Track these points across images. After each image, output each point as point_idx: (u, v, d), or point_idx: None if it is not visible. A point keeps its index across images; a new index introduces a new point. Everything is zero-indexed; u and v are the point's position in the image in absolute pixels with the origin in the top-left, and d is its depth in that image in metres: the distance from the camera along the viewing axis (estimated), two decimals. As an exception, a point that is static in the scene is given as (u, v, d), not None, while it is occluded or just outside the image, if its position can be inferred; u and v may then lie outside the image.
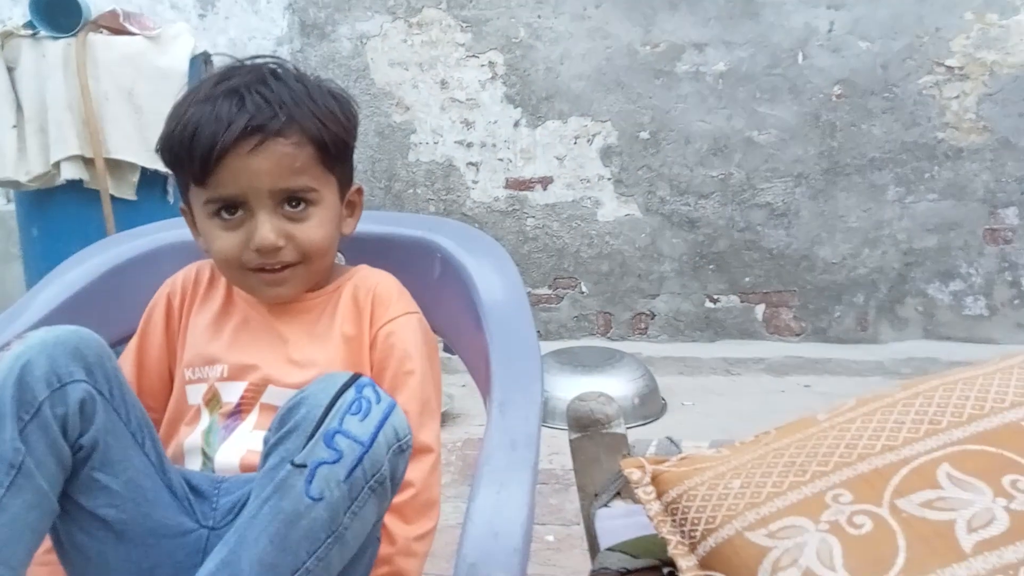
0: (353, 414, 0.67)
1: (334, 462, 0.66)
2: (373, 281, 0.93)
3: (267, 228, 0.84)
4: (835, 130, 2.97)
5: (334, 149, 0.89)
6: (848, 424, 0.69)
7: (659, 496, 0.72)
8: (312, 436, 0.66)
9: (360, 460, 0.66)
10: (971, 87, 2.90)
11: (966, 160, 2.93)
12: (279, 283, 0.88)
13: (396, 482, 0.72)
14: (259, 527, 0.65)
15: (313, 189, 0.88)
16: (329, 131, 0.87)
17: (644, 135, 3.05)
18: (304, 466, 0.65)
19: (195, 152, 0.82)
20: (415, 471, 0.83)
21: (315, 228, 0.88)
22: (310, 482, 0.65)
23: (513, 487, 0.63)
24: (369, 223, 0.98)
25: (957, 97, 2.91)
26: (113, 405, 0.74)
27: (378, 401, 0.69)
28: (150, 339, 0.94)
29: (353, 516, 0.67)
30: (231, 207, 0.86)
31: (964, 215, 2.97)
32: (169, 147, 0.86)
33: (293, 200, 0.87)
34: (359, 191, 0.96)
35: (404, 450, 0.71)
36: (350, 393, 0.69)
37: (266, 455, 0.69)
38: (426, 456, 0.85)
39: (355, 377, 0.71)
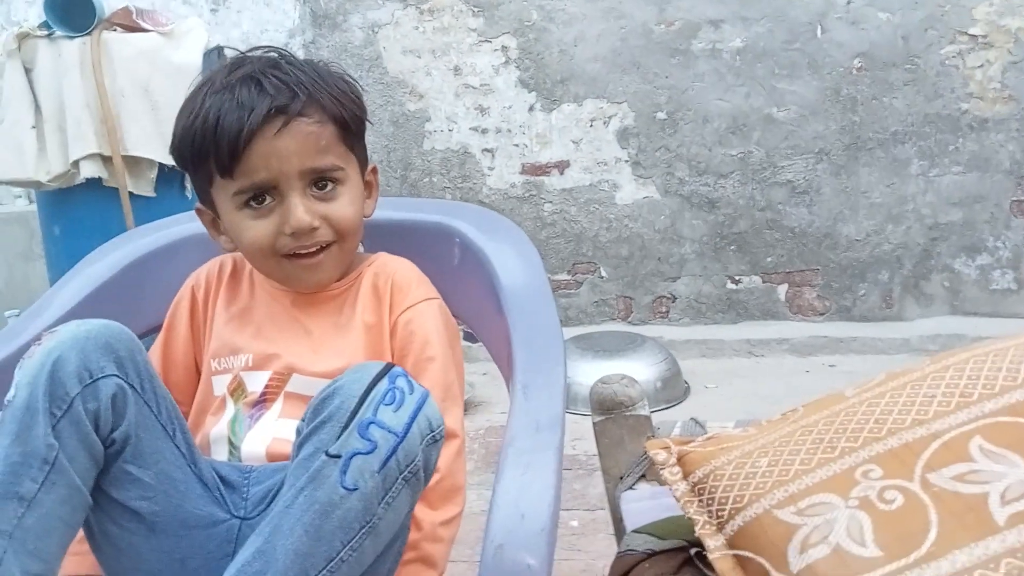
0: (387, 404, 0.67)
1: (368, 452, 0.66)
2: (392, 268, 0.92)
3: (301, 210, 0.84)
4: (856, 104, 2.92)
5: (353, 126, 0.89)
6: (877, 399, 0.68)
7: (685, 477, 0.71)
8: (346, 427, 0.66)
9: (394, 451, 0.66)
10: (995, 55, 2.83)
11: (991, 131, 2.88)
12: (316, 267, 0.88)
13: (429, 472, 0.72)
14: (294, 517, 0.65)
15: (339, 167, 0.87)
16: (347, 109, 0.88)
17: (661, 115, 3.02)
18: (339, 456, 0.65)
19: (220, 141, 0.82)
20: (440, 457, 0.83)
21: (346, 206, 0.88)
22: (344, 472, 0.65)
23: (538, 468, 0.63)
24: (388, 209, 0.98)
25: (981, 66, 2.85)
26: (144, 398, 0.74)
27: (411, 391, 0.69)
28: (176, 332, 0.95)
29: (387, 507, 0.68)
30: (260, 195, 0.85)
31: (990, 187, 2.91)
32: (190, 141, 0.85)
33: (320, 181, 0.86)
34: (374, 170, 0.96)
35: (437, 440, 0.71)
36: (384, 383, 0.69)
37: (300, 445, 0.69)
38: (451, 442, 0.84)
39: (388, 367, 0.70)
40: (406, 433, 0.67)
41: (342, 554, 0.66)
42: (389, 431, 0.66)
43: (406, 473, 0.68)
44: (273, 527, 0.66)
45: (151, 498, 0.75)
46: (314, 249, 0.87)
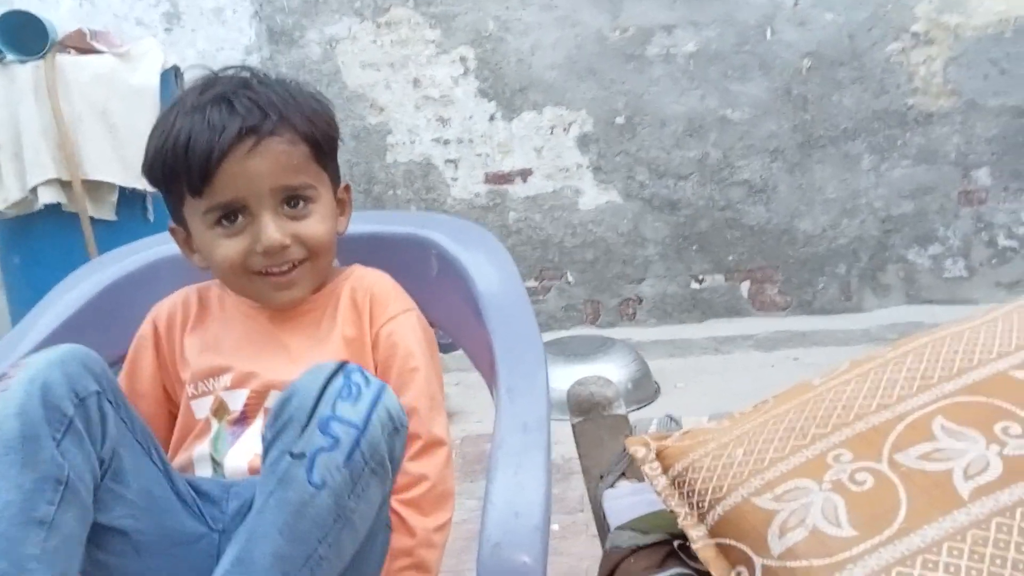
0: (344, 399, 0.68)
1: (331, 448, 0.66)
2: (369, 281, 0.93)
3: (272, 228, 0.84)
4: (807, 103, 3.00)
5: (325, 146, 0.90)
6: (843, 386, 0.72)
7: (665, 471, 0.74)
8: (307, 425, 0.67)
9: (357, 443, 0.67)
10: (937, 51, 2.93)
11: (936, 124, 2.97)
12: (288, 285, 0.88)
13: (395, 462, 0.73)
14: (267, 521, 0.66)
15: (311, 186, 0.88)
16: (319, 128, 0.89)
17: (619, 120, 3.07)
18: (303, 455, 0.66)
19: (192, 161, 0.82)
20: (429, 464, 0.84)
21: (318, 224, 0.88)
22: (311, 470, 0.66)
23: (529, 468, 0.65)
24: (360, 223, 0.99)
25: (924, 62, 2.95)
26: (120, 415, 0.75)
27: (368, 385, 0.70)
28: (140, 365, 0.94)
29: (358, 499, 0.68)
30: (232, 214, 0.85)
31: (938, 179, 3.01)
32: (161, 161, 0.86)
33: (293, 200, 0.87)
34: (347, 189, 0.97)
35: (399, 430, 0.72)
36: (339, 379, 0.69)
37: (266, 450, 0.70)
38: (439, 449, 0.86)
39: (342, 364, 0.71)
40: (366, 425, 0.68)
41: (320, 550, 0.66)
42: (349, 424, 0.67)
43: (372, 464, 0.69)
44: (248, 533, 0.67)
45: (135, 516, 0.75)
46: (286, 268, 0.87)
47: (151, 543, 0.75)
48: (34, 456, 0.67)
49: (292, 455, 0.67)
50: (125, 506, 0.74)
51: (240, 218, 0.85)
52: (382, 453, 0.69)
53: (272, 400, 0.87)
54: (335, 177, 0.94)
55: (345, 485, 0.67)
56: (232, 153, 0.82)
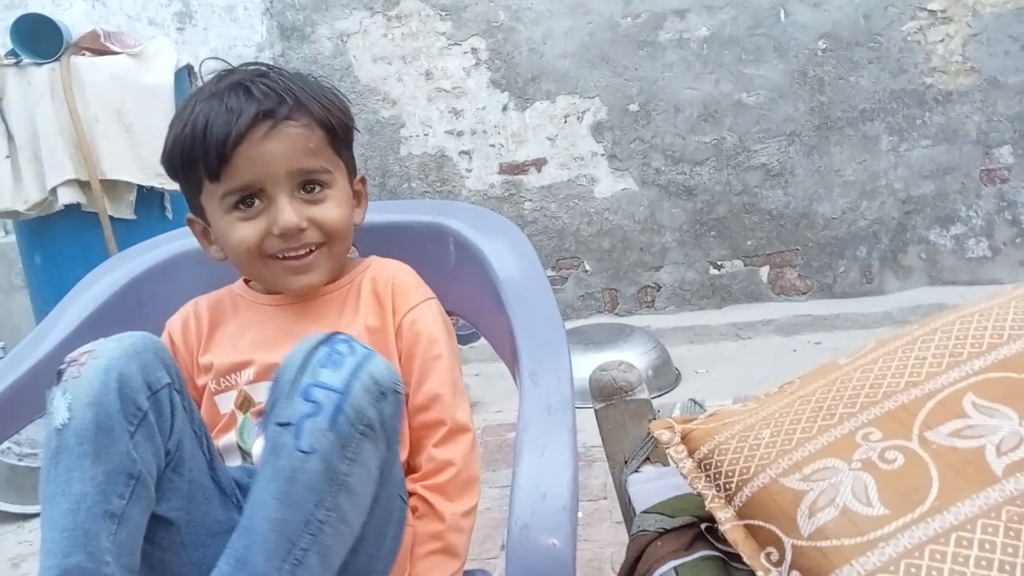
0: (325, 366, 0.68)
1: (314, 414, 0.67)
2: (390, 271, 0.93)
3: (288, 211, 0.84)
4: (823, 85, 2.97)
5: (341, 133, 0.90)
6: (871, 365, 0.70)
7: (691, 454, 0.73)
8: (290, 394, 0.68)
9: (339, 407, 0.67)
10: (955, 29, 2.89)
11: (956, 103, 2.93)
12: (305, 270, 0.88)
13: (389, 428, 0.72)
14: (264, 490, 0.67)
15: (327, 171, 0.88)
16: (335, 116, 0.89)
17: (634, 107, 3.05)
18: (289, 424, 0.67)
19: (209, 145, 0.83)
20: (455, 450, 0.85)
21: (333, 208, 0.88)
22: (298, 437, 0.66)
23: (555, 449, 0.64)
24: (378, 212, 0.99)
25: (942, 40, 2.90)
26: (184, 405, 0.75)
27: (352, 351, 0.70)
28: None
29: (351, 463, 0.68)
30: (249, 198, 0.86)
31: (959, 158, 2.97)
32: (180, 148, 0.86)
33: (309, 184, 0.87)
34: (363, 180, 0.97)
35: (386, 395, 0.71)
36: (322, 349, 0.70)
37: (265, 429, 0.70)
38: (464, 435, 0.86)
39: (330, 335, 0.71)
40: (347, 389, 0.68)
41: (318, 515, 0.67)
42: (330, 390, 0.67)
43: (361, 428, 0.68)
44: (251, 504, 0.67)
45: (184, 507, 0.75)
46: (302, 252, 0.87)
47: (195, 534, 0.75)
48: (107, 448, 0.68)
49: (279, 424, 0.67)
50: (178, 497, 0.74)
51: (257, 202, 0.86)
52: (369, 416, 0.69)
53: None
54: (351, 167, 0.94)
55: (334, 449, 0.67)
56: (249, 136, 0.83)
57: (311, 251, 0.88)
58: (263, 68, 0.89)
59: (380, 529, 0.76)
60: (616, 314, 3.17)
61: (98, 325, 0.91)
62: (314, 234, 0.87)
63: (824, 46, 2.95)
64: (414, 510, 0.83)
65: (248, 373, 0.90)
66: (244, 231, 0.86)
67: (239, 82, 0.85)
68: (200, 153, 0.84)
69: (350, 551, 0.72)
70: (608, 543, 1.55)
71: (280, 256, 0.87)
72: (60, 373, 0.71)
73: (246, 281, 0.98)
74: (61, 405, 0.69)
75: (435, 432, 0.84)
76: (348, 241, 0.93)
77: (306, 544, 0.66)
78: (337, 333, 0.72)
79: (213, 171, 0.84)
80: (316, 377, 0.68)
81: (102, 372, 0.69)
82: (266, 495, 0.67)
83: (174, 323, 0.96)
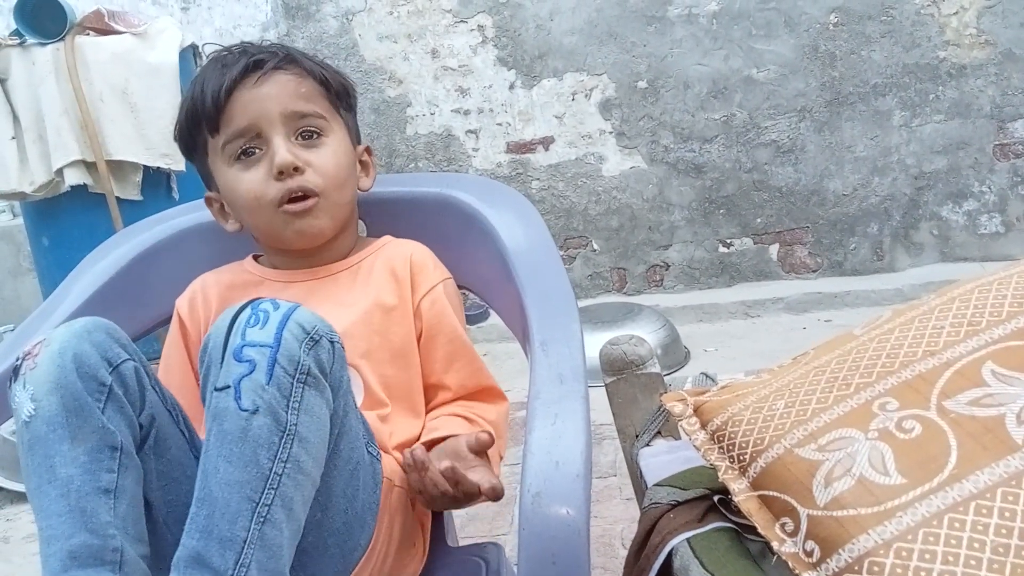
0: (252, 326, 0.68)
1: (250, 373, 0.66)
2: (407, 251, 0.94)
3: (283, 149, 0.87)
4: (835, 60, 2.93)
5: (337, 88, 0.93)
6: (887, 335, 0.69)
7: (703, 426, 0.72)
8: (223, 359, 0.67)
9: (274, 360, 0.67)
10: (969, 2, 2.84)
11: (970, 77, 2.89)
12: (306, 214, 0.88)
13: (330, 373, 0.71)
14: (214, 456, 0.66)
15: (321, 116, 0.90)
16: (328, 72, 0.93)
17: (642, 84, 3.02)
18: (228, 387, 0.66)
19: (206, 99, 0.87)
20: (496, 413, 0.92)
21: (330, 156, 0.90)
22: (238, 399, 0.66)
23: (567, 417, 0.63)
24: (387, 185, 0.98)
25: (956, 13, 2.86)
26: (152, 383, 0.74)
27: (276, 308, 0.70)
28: (172, 358, 0.95)
29: (297, 412, 0.67)
30: (249, 148, 0.88)
31: (972, 133, 2.93)
32: (184, 112, 0.90)
33: (305, 131, 0.90)
34: (368, 150, 0.98)
35: (318, 340, 0.70)
36: (246, 312, 0.69)
37: (202, 401, 0.70)
38: (503, 402, 0.93)
39: (251, 301, 0.71)
40: (278, 341, 0.67)
41: (274, 468, 0.66)
42: (261, 346, 0.67)
43: (300, 376, 0.68)
44: (203, 474, 0.66)
45: (166, 486, 0.75)
46: (301, 195, 0.88)
47: (178, 513, 0.75)
48: (82, 428, 0.67)
49: (217, 389, 0.67)
50: (159, 477, 0.74)
51: (257, 151, 0.88)
52: (307, 365, 0.68)
53: None
54: (353, 130, 0.96)
55: (277, 402, 0.66)
56: (242, 83, 0.87)
57: (310, 197, 0.89)
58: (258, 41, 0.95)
59: (349, 483, 0.75)
60: (624, 293, 3.15)
61: (106, 299, 0.90)
62: (313, 178, 0.88)
63: (835, 20, 2.90)
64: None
65: None
66: (247, 181, 0.88)
67: (236, 47, 0.91)
68: (200, 109, 0.88)
69: (323, 510, 0.72)
70: (618, 519, 1.55)
71: (282, 204, 0.88)
72: (16, 369, 0.70)
73: (255, 258, 0.97)
74: (24, 398, 0.68)
75: (487, 397, 0.92)
76: (347, 194, 0.93)
77: (268, 499, 0.65)
78: (258, 298, 0.71)
79: (212, 122, 0.88)
80: (244, 337, 0.67)
81: (56, 356, 0.69)
82: (218, 460, 0.65)
83: (182, 302, 0.96)
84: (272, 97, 0.87)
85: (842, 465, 0.59)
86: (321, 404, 0.70)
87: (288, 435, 0.67)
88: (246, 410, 0.65)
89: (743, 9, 2.92)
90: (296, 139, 0.89)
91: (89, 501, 0.66)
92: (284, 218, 0.89)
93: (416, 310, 0.91)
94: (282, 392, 0.67)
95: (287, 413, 0.67)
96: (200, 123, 0.88)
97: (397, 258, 0.93)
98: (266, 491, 0.65)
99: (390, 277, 0.92)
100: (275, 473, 0.66)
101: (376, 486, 0.80)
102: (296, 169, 0.87)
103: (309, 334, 0.69)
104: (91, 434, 0.67)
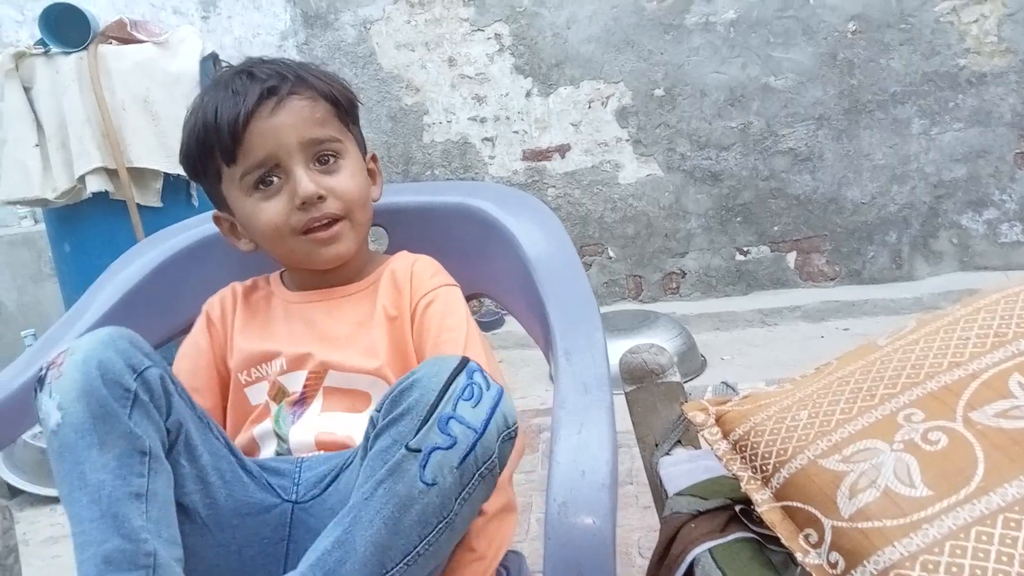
0: (466, 400, 0.67)
1: (448, 448, 0.65)
2: (410, 261, 0.95)
3: (306, 180, 0.86)
4: (853, 68, 2.92)
5: (346, 105, 0.93)
6: (911, 346, 0.69)
7: (725, 436, 0.72)
8: (426, 421, 0.66)
9: (473, 447, 0.66)
10: (990, 9, 2.82)
11: (990, 85, 2.87)
12: (332, 240, 0.89)
13: (502, 468, 0.71)
14: (373, 509, 0.65)
15: (337, 139, 0.90)
16: (336, 88, 0.92)
17: (659, 92, 3.02)
18: (419, 451, 0.65)
19: (221, 128, 0.86)
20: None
21: (349, 178, 0.90)
22: (424, 467, 0.65)
23: (593, 426, 0.63)
24: (406, 194, 0.99)
25: (976, 21, 2.84)
26: (178, 390, 0.75)
27: (488, 387, 0.69)
28: (198, 360, 0.95)
29: (463, 503, 0.67)
30: (267, 177, 0.88)
31: (992, 141, 2.91)
32: (195, 139, 0.89)
33: (322, 156, 0.89)
34: (374, 158, 0.99)
35: (512, 437, 0.71)
36: (462, 378, 0.68)
37: (376, 436, 0.69)
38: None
39: (464, 361, 0.70)
40: (484, 429, 0.67)
41: (419, 548, 0.66)
42: (468, 427, 0.66)
43: (483, 469, 0.68)
44: (352, 517, 0.66)
45: (203, 490, 0.75)
46: (326, 221, 0.88)
47: (220, 516, 0.75)
48: (109, 434, 0.68)
49: (408, 448, 0.65)
50: (194, 481, 0.74)
51: (275, 180, 0.88)
52: (494, 460, 0.69)
53: (331, 380, 0.88)
54: (361, 142, 0.96)
55: (455, 487, 0.66)
56: (257, 112, 0.86)
57: (334, 221, 0.89)
58: (262, 57, 0.92)
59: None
60: (640, 301, 3.14)
61: (130, 308, 0.91)
62: (334, 204, 0.89)
63: (854, 28, 2.89)
64: None
65: (278, 364, 0.90)
66: (268, 211, 0.88)
67: (241, 70, 0.89)
68: (214, 139, 0.86)
69: None
70: (635, 528, 1.54)
71: (306, 231, 0.88)
72: (42, 380, 0.70)
73: (281, 275, 0.98)
74: (51, 407, 0.68)
75: None
76: (368, 211, 0.94)
77: (399, 572, 0.66)
78: (469, 360, 0.71)
79: (228, 153, 0.87)
80: (456, 409, 0.66)
81: (81, 364, 0.69)
82: (375, 516, 0.65)
83: (212, 302, 0.98)
84: (289, 126, 0.86)
85: (867, 476, 0.59)
86: (484, 496, 0.71)
87: (445, 522, 0.67)
88: (425, 482, 0.65)
89: (761, 17, 2.92)
90: (314, 165, 0.88)
91: (120, 506, 0.66)
92: (310, 246, 0.89)
93: (412, 313, 0.90)
94: (463, 480, 0.67)
95: (455, 501, 0.67)
96: (213, 151, 0.87)
97: (400, 269, 0.94)
98: (401, 564, 0.66)
99: (393, 288, 0.92)
100: (417, 552, 0.66)
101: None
102: (320, 198, 0.87)
103: (509, 428, 0.70)
104: (119, 440, 0.68)
